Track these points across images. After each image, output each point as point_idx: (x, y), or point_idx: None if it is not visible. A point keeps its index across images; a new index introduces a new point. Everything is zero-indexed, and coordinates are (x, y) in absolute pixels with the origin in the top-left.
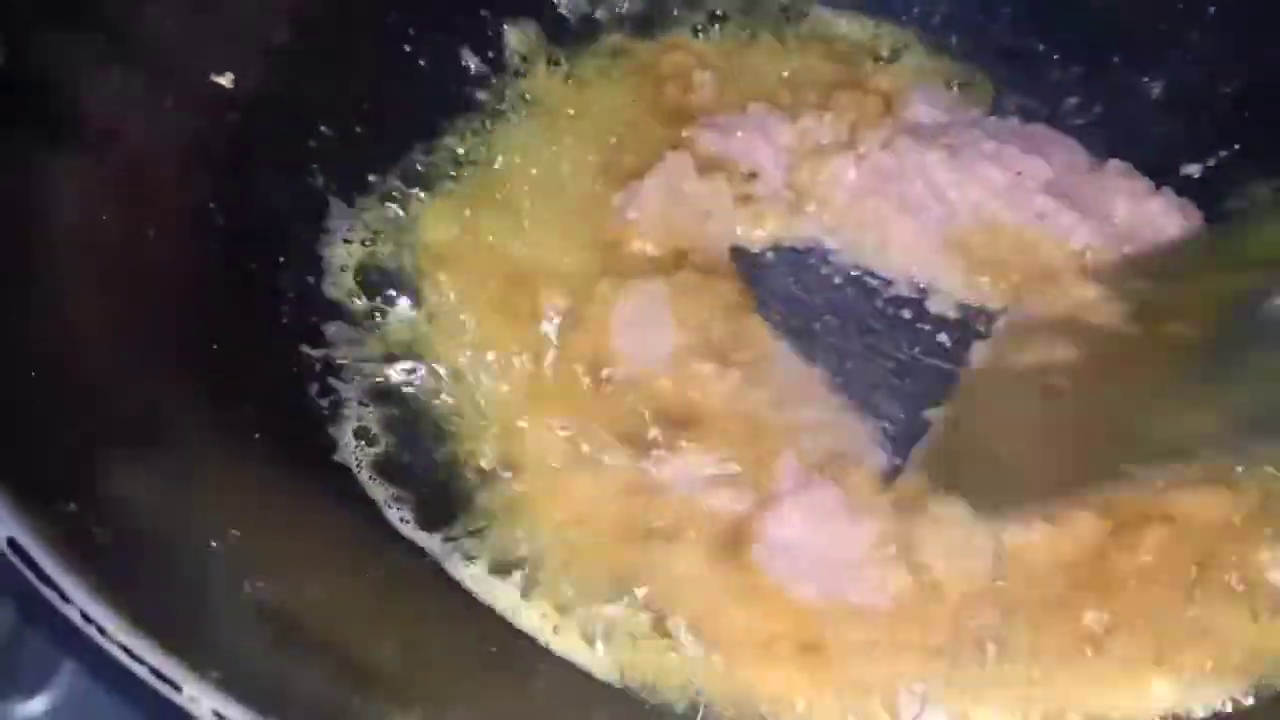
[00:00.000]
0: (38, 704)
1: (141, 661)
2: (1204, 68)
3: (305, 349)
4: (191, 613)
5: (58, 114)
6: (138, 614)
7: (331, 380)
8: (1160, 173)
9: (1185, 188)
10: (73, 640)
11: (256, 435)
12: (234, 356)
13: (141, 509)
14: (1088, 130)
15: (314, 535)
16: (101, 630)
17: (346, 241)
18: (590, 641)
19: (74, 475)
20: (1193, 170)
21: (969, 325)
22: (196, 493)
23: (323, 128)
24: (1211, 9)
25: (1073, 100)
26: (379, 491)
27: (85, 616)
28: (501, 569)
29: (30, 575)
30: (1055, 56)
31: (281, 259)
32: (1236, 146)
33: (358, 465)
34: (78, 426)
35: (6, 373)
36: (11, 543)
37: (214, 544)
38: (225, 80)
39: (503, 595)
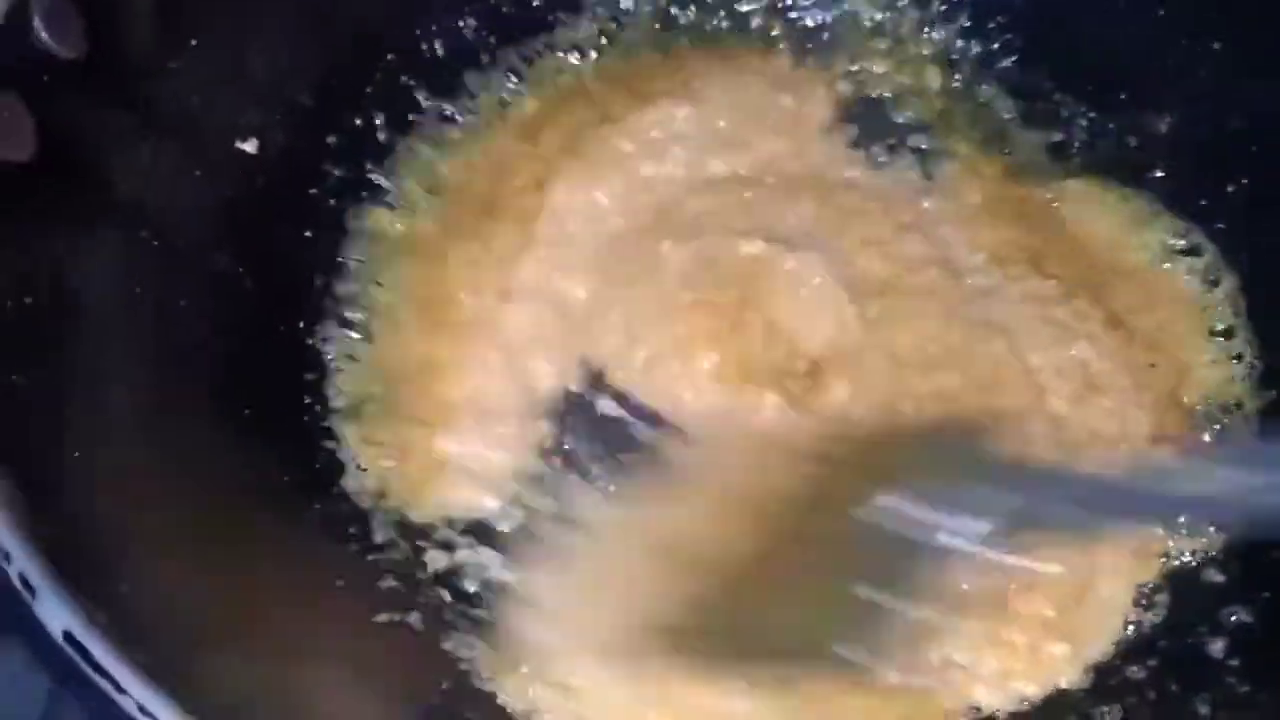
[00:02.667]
0: None
1: None
2: (1210, 103)
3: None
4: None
5: (89, 192)
6: (193, 705)
7: None
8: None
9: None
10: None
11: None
12: (267, 427)
13: (189, 595)
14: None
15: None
16: None
17: None
18: None
19: (127, 561)
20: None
21: None
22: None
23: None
24: (1216, 45)
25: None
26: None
27: (142, 709)
28: None
29: (85, 666)
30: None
31: (311, 320)
32: (1244, 181)
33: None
34: (120, 508)
35: (46, 455)
36: (68, 635)
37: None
38: (250, 146)
39: None
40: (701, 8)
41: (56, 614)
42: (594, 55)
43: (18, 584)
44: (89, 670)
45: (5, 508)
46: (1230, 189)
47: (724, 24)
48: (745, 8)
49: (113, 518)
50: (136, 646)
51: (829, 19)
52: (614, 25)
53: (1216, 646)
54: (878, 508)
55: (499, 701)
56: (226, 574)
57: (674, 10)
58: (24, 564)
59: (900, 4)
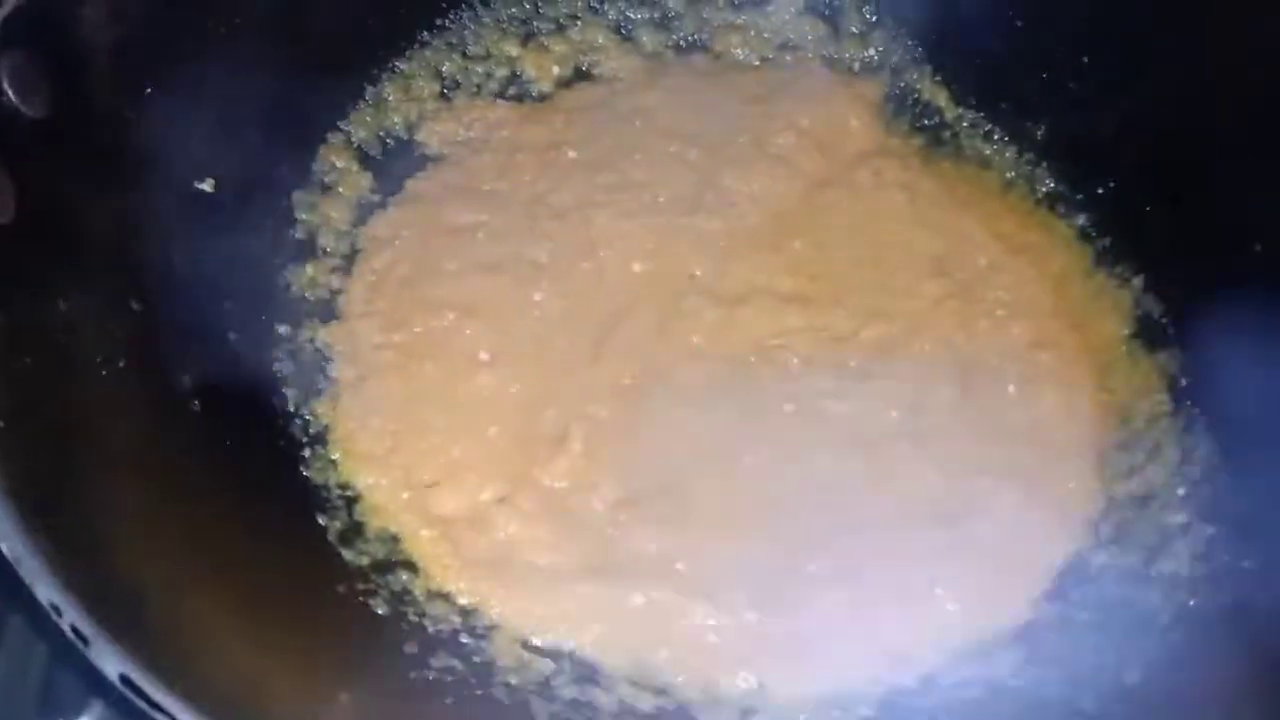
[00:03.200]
0: None
1: None
2: (1082, 113)
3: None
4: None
5: (67, 247)
6: None
7: None
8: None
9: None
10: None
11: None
12: (247, 459)
13: (223, 627)
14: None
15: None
16: None
17: None
18: None
19: (164, 606)
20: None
21: None
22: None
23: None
24: (1085, 59)
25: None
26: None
27: None
28: None
29: (142, 704)
30: (953, 98)
31: (277, 351)
32: (1112, 184)
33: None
34: (148, 560)
35: (81, 517)
36: (124, 678)
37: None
38: (208, 186)
39: None
40: None
41: (110, 661)
42: None
43: (70, 635)
44: (146, 707)
45: (49, 566)
46: (1100, 191)
47: None
48: None
49: (138, 566)
50: (182, 680)
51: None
52: None
53: None
54: None
55: None
56: (239, 601)
57: None
58: (74, 616)
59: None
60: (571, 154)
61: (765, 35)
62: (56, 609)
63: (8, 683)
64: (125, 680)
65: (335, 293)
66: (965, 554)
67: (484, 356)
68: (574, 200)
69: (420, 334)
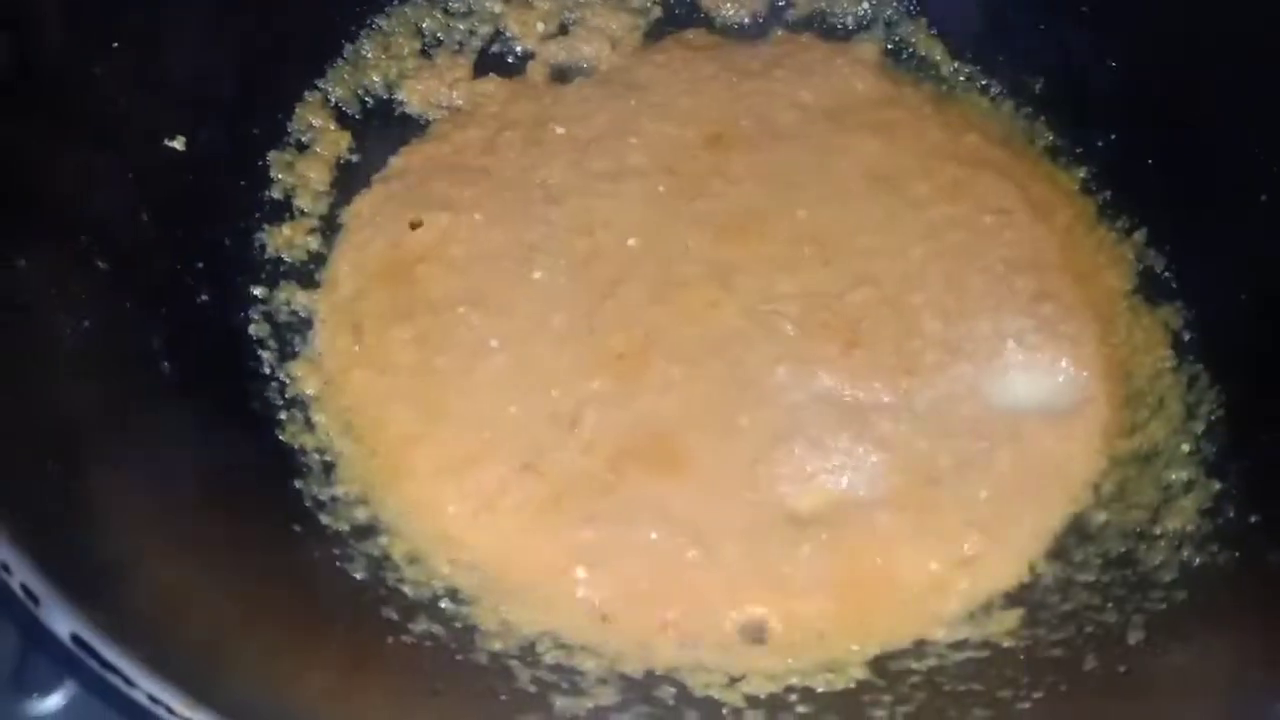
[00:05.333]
0: (54, 700)
1: None
2: (1080, 65)
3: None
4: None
5: (29, 206)
6: (199, 694)
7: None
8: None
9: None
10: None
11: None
12: (220, 422)
13: (183, 590)
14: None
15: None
16: (170, 710)
17: None
18: None
19: (120, 564)
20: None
21: None
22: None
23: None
24: (1083, 8)
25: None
26: None
27: (152, 699)
28: None
29: (95, 664)
30: (949, 51)
31: (252, 313)
32: (1113, 137)
33: None
34: (105, 514)
35: (29, 470)
36: (75, 637)
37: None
38: (179, 144)
39: None
40: None
41: (61, 619)
42: None
43: (20, 594)
44: (98, 668)
45: (2, 525)
46: (1100, 144)
47: None
48: None
49: (101, 528)
50: (139, 642)
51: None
52: None
53: None
54: None
55: None
56: (206, 563)
57: None
58: (24, 575)
59: None
60: (561, 131)
61: None
62: (5, 567)
63: None
64: (76, 639)
65: (314, 255)
66: (961, 514)
67: (493, 344)
68: (568, 183)
69: (430, 326)
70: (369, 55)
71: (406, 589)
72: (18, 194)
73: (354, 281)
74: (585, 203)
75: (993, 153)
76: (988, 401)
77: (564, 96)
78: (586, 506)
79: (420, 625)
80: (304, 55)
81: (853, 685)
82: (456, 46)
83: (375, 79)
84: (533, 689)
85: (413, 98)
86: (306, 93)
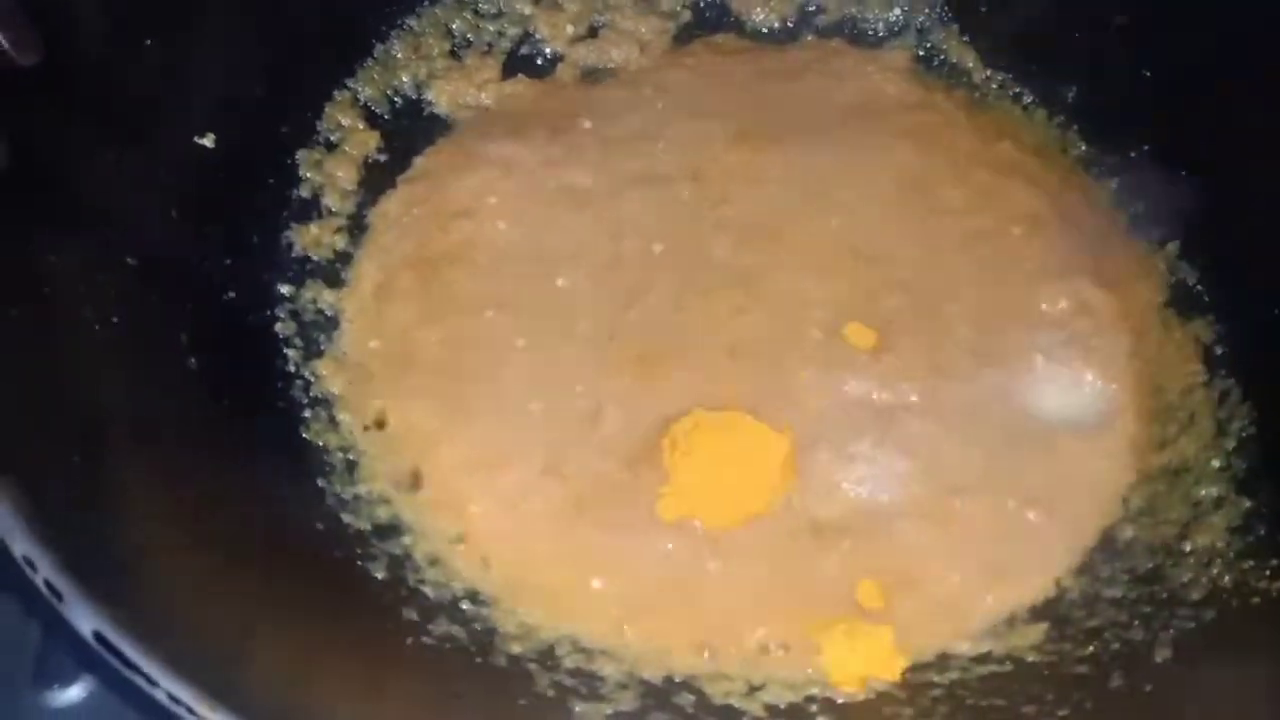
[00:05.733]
0: (74, 692)
1: None
2: (1115, 75)
3: (305, 398)
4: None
5: (60, 200)
6: (219, 694)
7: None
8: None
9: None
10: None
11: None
12: (244, 420)
13: (205, 591)
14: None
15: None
16: (191, 710)
17: None
18: None
19: (144, 563)
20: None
21: None
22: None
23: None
24: (1119, 18)
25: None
26: None
27: (173, 698)
28: None
29: (117, 663)
30: (981, 59)
31: (278, 311)
32: (1145, 148)
33: None
34: (130, 514)
35: (53, 467)
36: (97, 635)
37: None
38: (208, 141)
39: None
40: None
41: (84, 616)
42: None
43: (44, 590)
44: (120, 666)
45: (25, 519)
46: (1133, 154)
47: None
48: None
49: (125, 524)
50: (160, 641)
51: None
52: None
53: None
54: None
55: None
56: (228, 562)
57: None
58: (48, 571)
59: None
60: (589, 134)
61: None
62: (30, 563)
63: (8, 647)
64: (99, 637)
65: (340, 254)
66: (988, 528)
67: (519, 344)
68: (595, 187)
69: (456, 328)
70: (399, 55)
71: (427, 589)
72: (49, 190)
73: (380, 281)
74: (612, 207)
75: (1025, 161)
76: (1017, 412)
77: (592, 99)
78: (607, 512)
79: (440, 627)
80: (334, 55)
81: (874, 696)
82: (486, 48)
83: (404, 79)
84: (551, 693)
85: (441, 98)
86: (336, 92)
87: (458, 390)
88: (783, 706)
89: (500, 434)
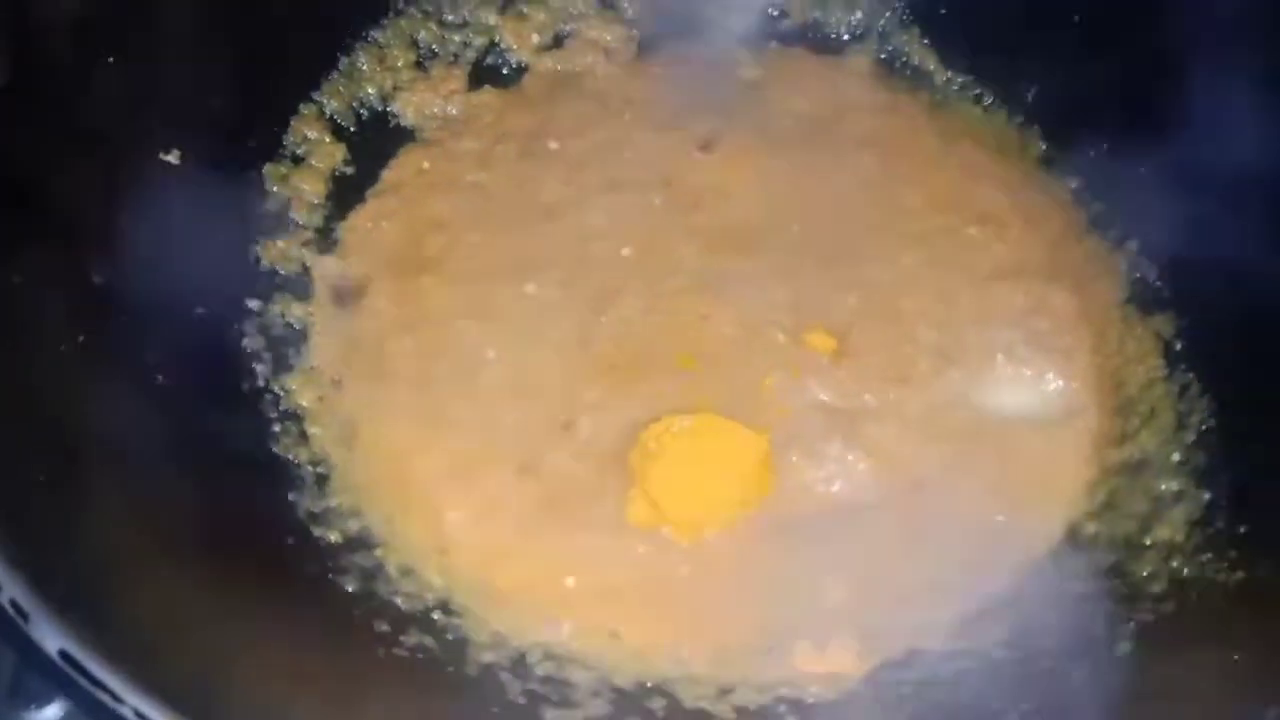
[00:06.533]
0: (50, 712)
1: None
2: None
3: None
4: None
5: (25, 219)
6: (188, 711)
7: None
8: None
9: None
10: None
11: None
12: (214, 436)
13: (171, 607)
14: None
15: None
16: None
17: None
18: None
19: (110, 581)
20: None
21: None
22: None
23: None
24: (1076, 17)
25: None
26: None
27: (139, 714)
28: None
29: (84, 681)
30: (942, 61)
31: (246, 325)
32: (1105, 146)
33: None
34: (99, 533)
35: (20, 487)
36: (63, 654)
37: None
38: (173, 157)
39: None
40: None
41: (50, 635)
42: None
43: (10, 610)
44: (87, 684)
45: None
46: (1092, 153)
47: None
48: None
49: (92, 542)
50: (127, 659)
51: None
52: None
53: None
54: None
55: None
56: (198, 578)
57: None
58: (14, 591)
59: None
60: (554, 145)
61: (754, 3)
62: None
63: None
64: (65, 656)
65: (308, 268)
66: (954, 526)
67: (490, 355)
68: (563, 197)
69: (429, 338)
70: (364, 67)
71: (399, 601)
72: (12, 208)
73: (350, 294)
74: (580, 216)
75: (985, 161)
76: (978, 409)
77: (559, 109)
78: (579, 514)
79: (412, 638)
80: (299, 68)
81: (842, 696)
82: (451, 58)
83: (370, 91)
84: (523, 701)
85: (408, 109)
86: (301, 105)
87: (431, 400)
88: (752, 709)
89: (474, 440)
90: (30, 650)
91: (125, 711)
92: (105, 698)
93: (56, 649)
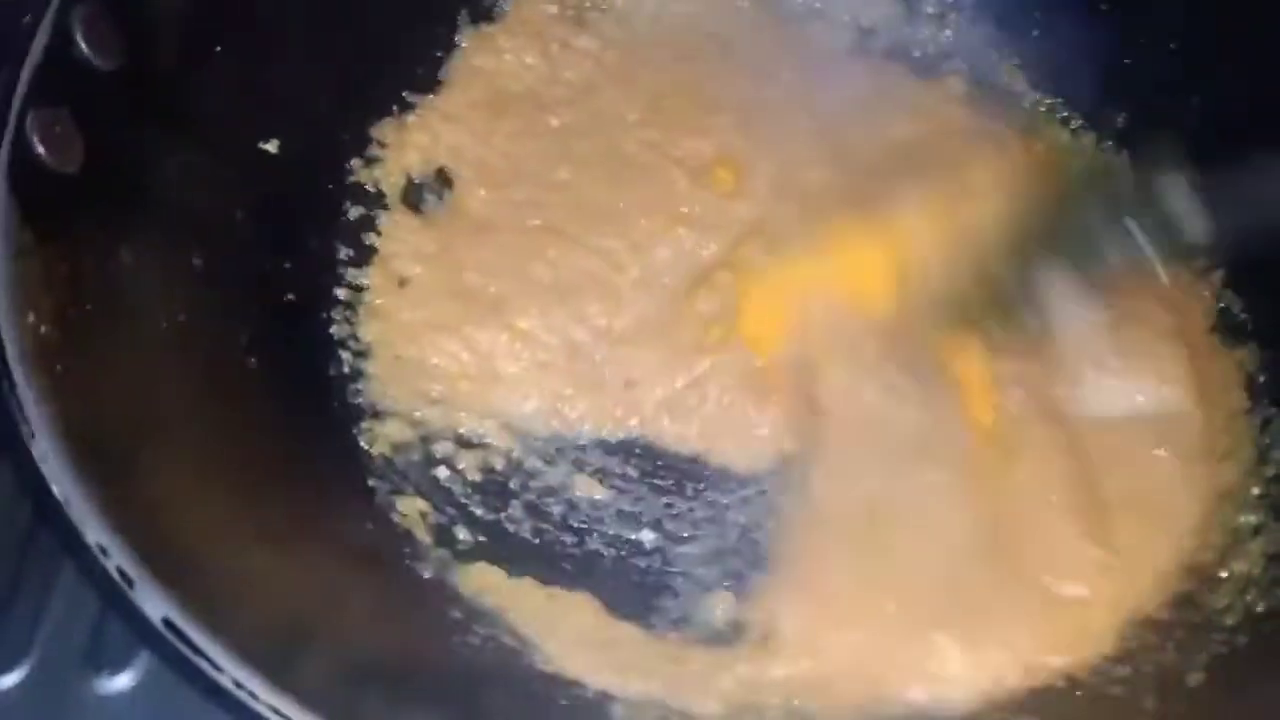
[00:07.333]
0: (122, 680)
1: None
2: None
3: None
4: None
5: (132, 199)
6: (282, 681)
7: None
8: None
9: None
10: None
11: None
12: (301, 418)
13: (269, 578)
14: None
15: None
16: (254, 695)
17: None
18: None
19: (211, 550)
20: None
21: None
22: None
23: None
24: (1170, 44)
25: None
26: None
27: (238, 684)
28: None
29: (185, 649)
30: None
31: (334, 314)
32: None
33: None
34: (198, 503)
35: (128, 460)
36: (166, 622)
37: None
38: (272, 147)
39: None
40: None
41: (154, 603)
42: None
43: (116, 576)
44: (189, 652)
45: (98, 508)
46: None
47: None
48: None
49: (189, 516)
50: (226, 628)
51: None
52: None
53: None
54: None
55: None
56: (283, 555)
57: None
58: (120, 558)
59: None
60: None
61: (844, 18)
62: (104, 550)
63: (59, 634)
64: (168, 624)
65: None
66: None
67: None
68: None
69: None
70: None
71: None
72: (124, 190)
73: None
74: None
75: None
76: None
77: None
78: None
79: (484, 628)
80: (395, 72)
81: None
82: None
83: None
84: (592, 694)
85: None
86: (395, 106)
87: None
88: None
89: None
90: (111, 618)
91: (223, 680)
92: (205, 664)
93: (160, 616)
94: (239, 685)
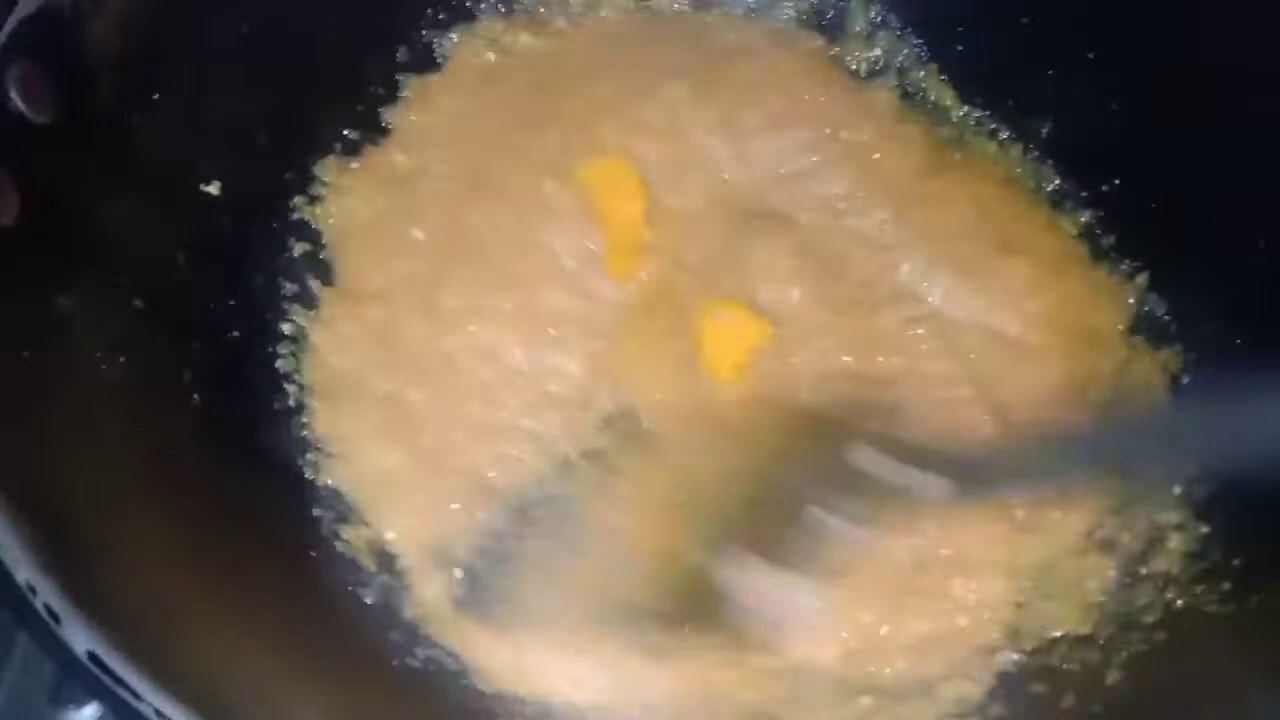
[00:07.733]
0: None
1: None
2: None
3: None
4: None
5: (71, 247)
6: (206, 712)
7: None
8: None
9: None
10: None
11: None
12: (245, 452)
13: (193, 607)
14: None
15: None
16: None
17: None
18: None
19: (135, 584)
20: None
21: None
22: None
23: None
24: (1091, 55)
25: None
26: None
27: (159, 713)
28: None
29: (108, 680)
30: (959, 97)
31: (280, 349)
32: (1117, 181)
33: None
34: (124, 539)
35: (56, 498)
36: (91, 655)
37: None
38: (214, 189)
39: None
40: None
41: (79, 637)
42: None
43: (44, 613)
44: (110, 683)
45: (28, 548)
46: (1104, 189)
47: None
48: None
49: (120, 547)
50: (150, 660)
51: None
52: None
53: None
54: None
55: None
56: (222, 585)
57: None
58: (47, 596)
59: None
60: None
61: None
62: (32, 588)
63: (26, 668)
64: (93, 657)
65: None
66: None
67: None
68: None
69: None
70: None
71: (417, 618)
72: (61, 234)
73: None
74: None
75: (991, 199)
76: None
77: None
78: None
79: (426, 650)
80: (335, 108)
81: None
82: None
83: None
84: (533, 713)
85: None
86: (336, 143)
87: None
88: None
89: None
90: (63, 657)
91: (144, 708)
92: (126, 695)
93: (85, 650)
94: (160, 715)
